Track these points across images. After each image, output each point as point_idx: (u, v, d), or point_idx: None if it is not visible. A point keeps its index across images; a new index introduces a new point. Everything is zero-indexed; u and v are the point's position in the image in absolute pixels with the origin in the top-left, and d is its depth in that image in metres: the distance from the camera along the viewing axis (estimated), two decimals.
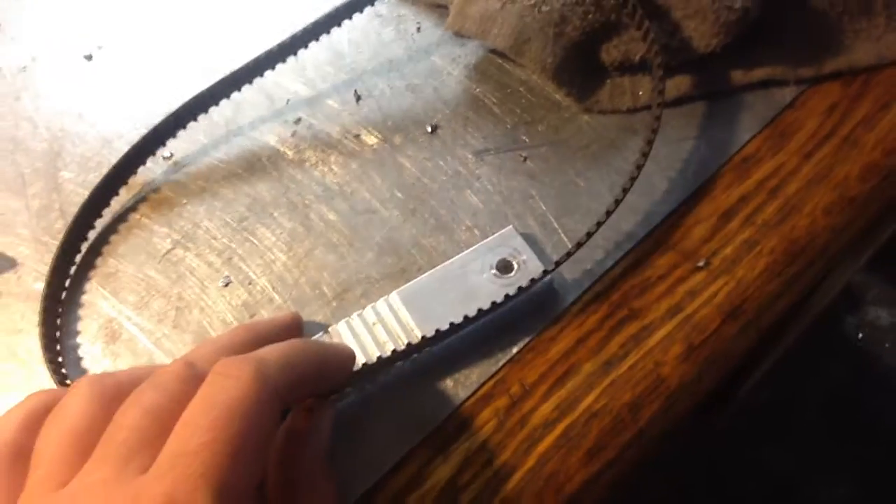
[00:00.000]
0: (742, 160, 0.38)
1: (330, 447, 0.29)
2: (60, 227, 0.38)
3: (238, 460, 0.21)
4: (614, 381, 0.33)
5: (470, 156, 0.39)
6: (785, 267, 0.36)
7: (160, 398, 0.23)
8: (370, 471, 0.31)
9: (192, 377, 0.24)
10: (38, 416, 0.25)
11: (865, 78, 0.41)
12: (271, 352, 0.25)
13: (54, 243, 0.37)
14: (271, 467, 0.27)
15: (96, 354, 0.34)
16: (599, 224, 0.34)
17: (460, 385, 0.32)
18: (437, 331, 0.32)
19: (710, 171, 0.38)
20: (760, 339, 0.37)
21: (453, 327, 0.32)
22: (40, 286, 0.36)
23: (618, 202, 0.35)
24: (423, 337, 0.32)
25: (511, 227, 0.36)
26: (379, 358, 0.31)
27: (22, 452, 0.24)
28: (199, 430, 0.21)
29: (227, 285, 0.36)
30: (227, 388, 0.23)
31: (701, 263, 0.35)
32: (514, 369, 0.33)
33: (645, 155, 0.36)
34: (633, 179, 0.35)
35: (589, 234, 0.34)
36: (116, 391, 0.25)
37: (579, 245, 0.34)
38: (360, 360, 0.31)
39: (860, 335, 1.67)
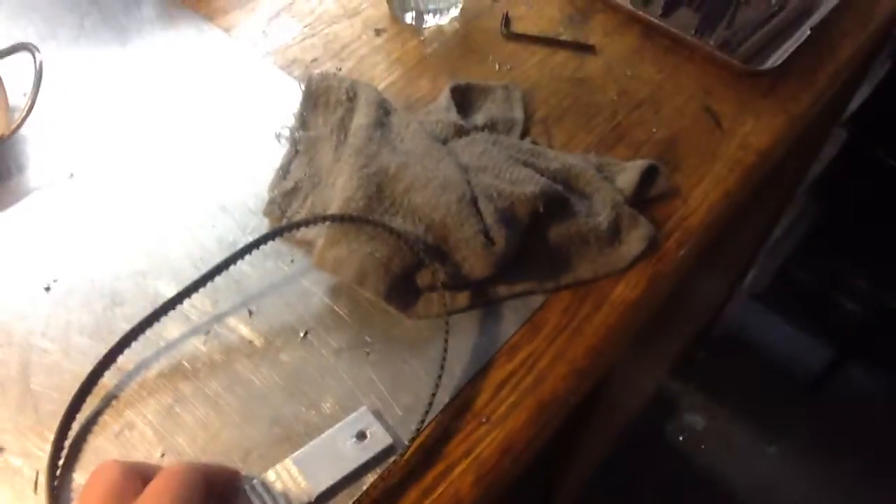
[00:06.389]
0: (510, 347, 0.59)
1: None
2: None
3: None
4: None
5: (331, 353, 0.57)
6: (538, 418, 0.55)
7: None
8: None
9: None
10: None
11: (587, 288, 0.62)
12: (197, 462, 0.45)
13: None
14: None
15: None
16: (426, 413, 0.53)
17: None
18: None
19: (489, 355, 0.58)
20: (530, 468, 0.56)
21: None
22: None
23: (433, 395, 0.53)
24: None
25: (365, 407, 0.53)
26: None
27: None
28: (157, 492, 0.41)
29: (162, 456, 0.51)
30: (173, 471, 0.43)
31: (484, 420, 0.55)
32: None
33: (444, 359, 0.55)
34: (439, 377, 0.54)
35: (423, 423, 0.52)
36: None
37: (419, 431, 0.52)
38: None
39: (681, 438, 1.91)
